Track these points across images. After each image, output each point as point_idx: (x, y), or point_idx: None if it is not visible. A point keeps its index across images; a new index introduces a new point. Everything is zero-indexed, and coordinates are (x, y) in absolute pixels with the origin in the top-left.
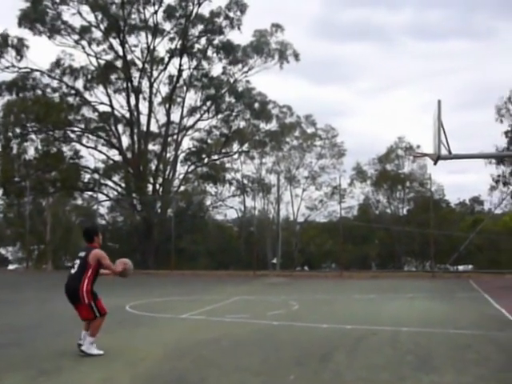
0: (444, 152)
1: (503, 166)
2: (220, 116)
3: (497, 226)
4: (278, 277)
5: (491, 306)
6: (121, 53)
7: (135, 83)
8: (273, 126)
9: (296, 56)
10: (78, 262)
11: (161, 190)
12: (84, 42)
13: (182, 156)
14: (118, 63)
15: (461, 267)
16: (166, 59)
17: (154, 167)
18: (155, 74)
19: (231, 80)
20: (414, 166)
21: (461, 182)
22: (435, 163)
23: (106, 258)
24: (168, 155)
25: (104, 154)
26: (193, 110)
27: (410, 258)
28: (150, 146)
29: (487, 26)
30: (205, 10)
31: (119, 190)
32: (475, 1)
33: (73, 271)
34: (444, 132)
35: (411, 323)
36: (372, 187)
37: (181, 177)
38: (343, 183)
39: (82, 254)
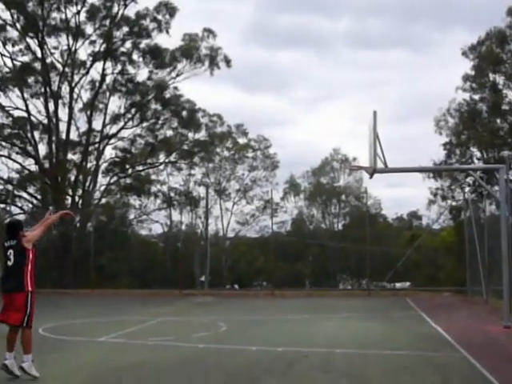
0: (380, 165)
1: (441, 180)
2: (145, 124)
3: (435, 241)
4: (205, 296)
5: (428, 325)
6: (39, 54)
7: (54, 88)
8: (202, 135)
9: (227, 62)
10: (11, 251)
11: (80, 202)
12: None
13: (103, 166)
14: (37, 65)
15: (398, 284)
16: (89, 63)
17: (73, 178)
18: (76, 78)
19: (158, 88)
20: (350, 179)
21: (398, 196)
22: (371, 176)
23: (36, 234)
24: (89, 165)
25: (19, 163)
26: (116, 118)
27: (346, 275)
28: (70, 156)
29: (426, 36)
30: (131, 12)
31: (35, 202)
32: (414, 11)
33: (10, 263)
34: (380, 144)
35: (345, 344)
36: (306, 201)
37: (102, 188)
38: (276, 197)
39: (12, 242)
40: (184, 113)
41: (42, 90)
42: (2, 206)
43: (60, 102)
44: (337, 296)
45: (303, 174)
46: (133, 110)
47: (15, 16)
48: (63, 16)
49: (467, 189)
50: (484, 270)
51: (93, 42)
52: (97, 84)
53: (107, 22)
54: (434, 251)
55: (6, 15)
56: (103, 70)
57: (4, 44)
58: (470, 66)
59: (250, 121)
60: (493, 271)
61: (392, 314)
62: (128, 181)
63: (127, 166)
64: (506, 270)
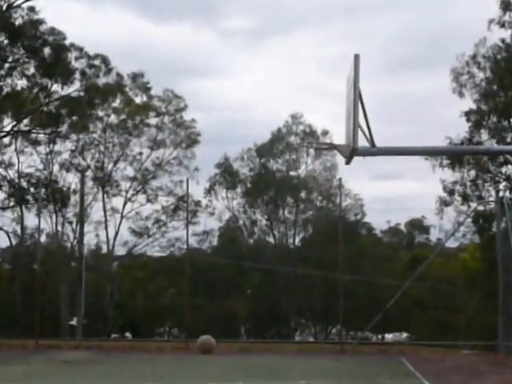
0: (363, 143)
1: (461, 170)
2: None
3: (449, 268)
4: (77, 350)
5: None
6: None
7: None
8: (75, 89)
9: None
10: None
11: None
12: None
13: None
14: None
15: (388, 336)
16: None
17: None
18: None
19: (3, 6)
20: (316, 164)
21: (392, 195)
22: (348, 161)
23: None
24: None
25: None
26: None
27: (305, 319)
28: None
29: None
30: None
31: None
32: None
33: None
34: (364, 110)
35: None
36: (244, 198)
37: None
38: (195, 191)
39: None
40: (46, 51)
41: None
42: None
43: None
44: (291, 352)
45: (240, 155)
46: None
47: None
48: None
49: (503, 184)
50: None
51: None
52: None
53: None
54: (447, 284)
55: None
56: None
57: None
58: None
59: (153, 68)
60: None
61: (379, 382)
62: None
63: None
64: None
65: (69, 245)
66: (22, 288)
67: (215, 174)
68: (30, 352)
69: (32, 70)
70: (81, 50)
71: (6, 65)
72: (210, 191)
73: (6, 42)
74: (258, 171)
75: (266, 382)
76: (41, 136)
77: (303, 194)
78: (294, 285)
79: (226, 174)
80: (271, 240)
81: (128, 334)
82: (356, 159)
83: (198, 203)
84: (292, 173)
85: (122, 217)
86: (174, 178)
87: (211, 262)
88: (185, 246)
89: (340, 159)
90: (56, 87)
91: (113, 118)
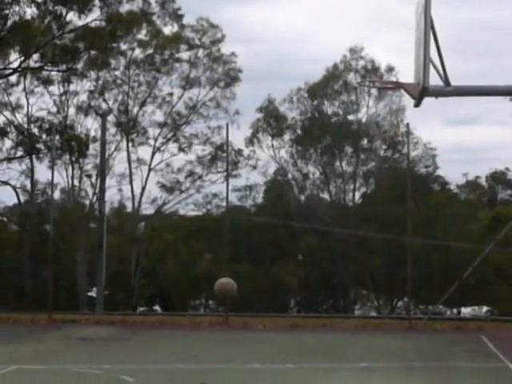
0: (435, 82)
1: None
2: None
3: None
4: (97, 326)
5: None
6: None
7: None
8: (94, 18)
9: None
10: None
11: None
12: None
13: None
14: None
15: (465, 310)
16: None
17: None
18: None
19: None
20: (380, 107)
21: (470, 144)
22: (418, 103)
23: None
24: None
25: None
26: None
27: (367, 290)
28: None
29: None
30: None
31: None
32: None
33: None
34: (436, 42)
35: None
36: (294, 147)
37: None
38: (236, 138)
39: None
40: None
41: None
42: None
43: None
44: (349, 329)
45: (289, 96)
46: None
47: None
48: None
49: None
50: None
51: None
52: None
53: None
54: None
55: None
56: None
57: None
58: None
59: None
60: None
61: (454, 364)
62: None
63: None
64: None
65: (87, 202)
66: (33, 253)
67: (258, 119)
68: (42, 328)
69: None
70: None
71: None
72: (252, 139)
73: None
74: (309, 115)
75: (320, 363)
76: (53, 74)
77: (364, 142)
78: (353, 249)
79: (272, 119)
80: (326, 196)
81: (157, 307)
82: (427, 100)
83: (239, 152)
84: (351, 117)
85: (149, 169)
86: (211, 123)
87: (255, 222)
88: (224, 204)
89: (408, 101)
90: (72, 16)
91: (138, 53)
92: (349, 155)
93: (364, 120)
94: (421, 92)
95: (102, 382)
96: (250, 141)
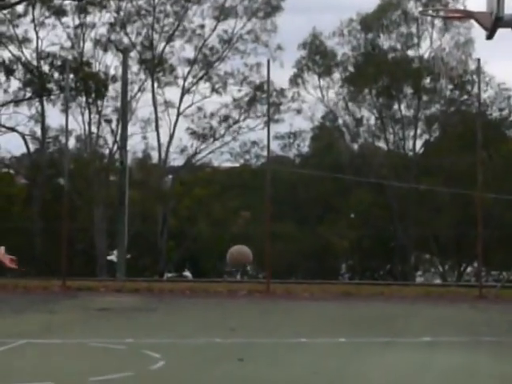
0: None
1: None
2: None
3: None
4: (119, 294)
5: None
6: None
7: None
8: None
9: None
10: None
11: None
12: None
13: None
14: None
15: None
16: None
17: None
18: None
19: None
20: (445, 40)
21: None
22: (490, 35)
23: None
24: None
25: None
26: None
27: (430, 254)
28: None
29: None
30: None
31: None
32: None
33: None
34: None
35: None
36: (345, 88)
37: None
38: (278, 77)
39: None
40: None
41: None
42: None
43: None
44: (409, 298)
45: (338, 29)
46: None
47: None
48: None
49: None
50: None
51: None
52: None
53: None
54: None
55: None
56: None
57: None
58: None
59: None
60: None
61: None
62: None
63: None
64: None
65: (107, 152)
66: (44, 211)
67: (303, 56)
68: (55, 296)
69: None
70: None
71: None
72: (296, 79)
73: None
74: (363, 51)
75: (376, 337)
76: (67, 3)
77: (427, 82)
78: (413, 206)
79: (319, 56)
80: (382, 145)
81: (187, 273)
82: (501, 32)
83: (281, 93)
84: (411, 52)
85: (178, 113)
86: (249, 59)
87: (300, 175)
88: (264, 154)
89: (479, 32)
90: None
91: None
92: (409, 97)
93: (426, 56)
94: (494, 22)
95: (124, 358)
96: (294, 81)
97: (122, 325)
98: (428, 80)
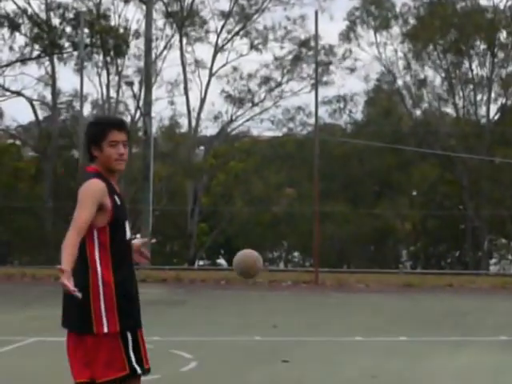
0: None
1: None
2: None
3: None
4: (143, 284)
5: None
6: None
7: None
8: None
9: None
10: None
11: None
12: None
13: None
14: None
15: None
16: None
17: None
18: None
19: None
20: None
21: None
22: None
23: (86, 204)
24: None
25: None
26: None
27: (506, 239)
28: None
29: None
30: None
31: None
32: None
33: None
34: None
35: None
36: (406, 44)
37: None
38: (327, 32)
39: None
40: None
41: None
42: None
43: None
44: (482, 290)
45: None
46: None
47: None
48: None
49: None
50: None
51: None
52: None
53: None
54: None
55: None
56: None
57: None
58: None
59: None
60: None
61: None
62: None
63: None
64: None
65: (128, 119)
66: (55, 188)
67: (356, 7)
68: None
69: None
70: None
71: None
72: (348, 34)
73: None
74: (427, 0)
75: (443, 336)
76: None
77: (503, 36)
78: (487, 183)
79: (375, 6)
80: (450, 111)
81: (221, 261)
82: None
83: (331, 50)
84: (484, 1)
85: (210, 74)
86: (293, 11)
87: (353, 145)
88: (312, 121)
89: None
90: None
91: None
92: (481, 54)
93: (502, 5)
94: None
95: (151, 358)
96: (346, 36)
97: (147, 320)
98: (504, 34)
